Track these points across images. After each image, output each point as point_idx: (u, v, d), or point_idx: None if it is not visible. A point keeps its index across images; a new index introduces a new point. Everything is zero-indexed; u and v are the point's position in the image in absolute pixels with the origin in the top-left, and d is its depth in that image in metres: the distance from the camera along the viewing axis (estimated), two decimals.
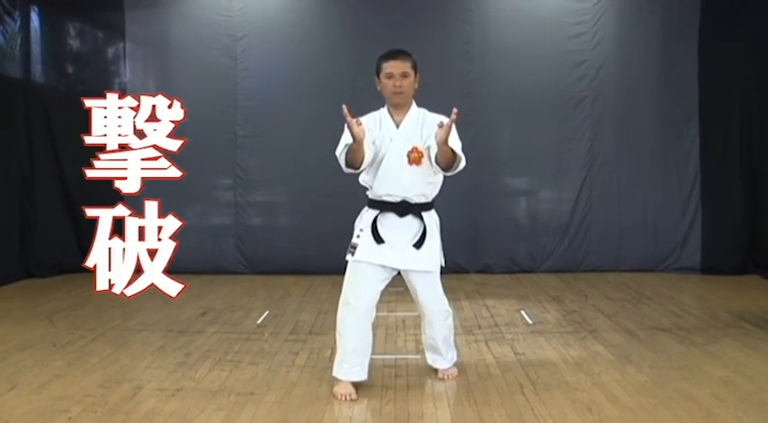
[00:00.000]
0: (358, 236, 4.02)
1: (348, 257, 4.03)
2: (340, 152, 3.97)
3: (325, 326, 5.57)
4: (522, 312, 6.02)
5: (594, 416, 3.65)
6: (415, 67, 4.00)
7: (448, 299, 4.27)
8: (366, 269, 3.98)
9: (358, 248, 3.99)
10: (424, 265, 4.04)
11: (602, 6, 7.71)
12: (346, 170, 3.99)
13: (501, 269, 7.85)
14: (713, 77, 7.56)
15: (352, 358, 4.00)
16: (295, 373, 4.39)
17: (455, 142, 3.89)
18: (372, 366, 4.47)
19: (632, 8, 7.73)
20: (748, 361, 4.57)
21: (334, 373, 4.06)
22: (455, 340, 4.45)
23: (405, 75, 3.95)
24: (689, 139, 7.69)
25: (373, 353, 4.63)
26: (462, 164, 3.95)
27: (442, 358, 4.31)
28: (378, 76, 4.04)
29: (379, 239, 3.97)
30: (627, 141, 7.79)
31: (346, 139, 3.91)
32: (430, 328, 4.24)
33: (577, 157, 7.81)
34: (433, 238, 4.05)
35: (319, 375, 4.35)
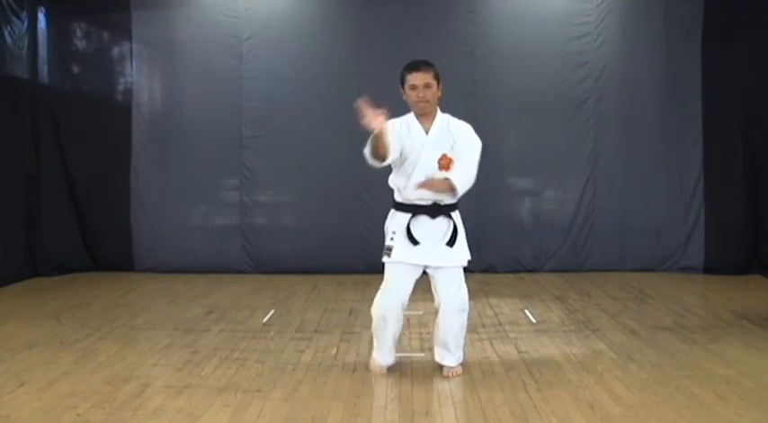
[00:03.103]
0: (392, 238, 4.26)
1: (385, 259, 4.28)
2: (367, 149, 4.10)
3: (330, 324, 5.62)
4: (526, 311, 6.05)
5: (597, 413, 3.68)
6: (437, 77, 4.21)
7: (469, 297, 4.39)
8: (402, 269, 4.24)
9: (393, 250, 4.23)
10: (456, 261, 4.28)
11: (606, 7, 7.72)
12: (371, 161, 4.11)
13: (505, 269, 7.87)
14: (717, 78, 7.58)
15: (392, 345, 4.42)
16: (301, 371, 4.43)
17: (464, 163, 4.22)
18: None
19: (636, 9, 7.74)
20: (750, 359, 4.60)
21: (378, 358, 4.44)
22: (467, 338, 4.54)
23: (428, 85, 4.17)
24: (692, 139, 7.70)
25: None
26: (460, 184, 4.16)
27: (450, 355, 4.38)
28: (402, 86, 4.25)
29: (414, 241, 4.20)
30: (630, 141, 7.81)
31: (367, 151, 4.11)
32: (444, 319, 4.33)
33: (581, 158, 7.83)
34: (462, 236, 4.31)
35: (325, 373, 4.39)
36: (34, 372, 4.42)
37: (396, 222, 4.27)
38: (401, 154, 4.18)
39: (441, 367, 4.42)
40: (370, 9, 7.77)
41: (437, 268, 4.26)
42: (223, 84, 7.84)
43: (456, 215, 4.30)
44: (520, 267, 7.89)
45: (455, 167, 4.14)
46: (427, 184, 4.11)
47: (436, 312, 4.38)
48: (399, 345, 4.61)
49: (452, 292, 4.29)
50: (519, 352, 4.84)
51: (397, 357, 4.67)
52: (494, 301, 6.49)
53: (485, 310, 6.10)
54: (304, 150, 7.77)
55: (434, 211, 4.22)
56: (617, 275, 7.58)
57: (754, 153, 7.65)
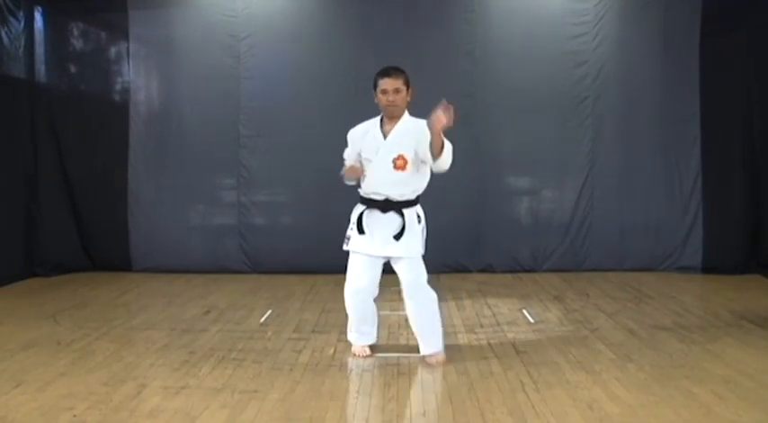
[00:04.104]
0: (351, 228, 4.66)
1: (344, 247, 4.68)
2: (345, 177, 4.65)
3: (328, 324, 5.60)
4: (524, 311, 6.04)
5: (595, 413, 3.68)
6: (407, 83, 4.54)
7: (435, 289, 4.65)
8: (360, 257, 4.63)
9: (350, 240, 4.64)
10: (404, 252, 4.54)
11: (604, 7, 7.71)
12: (349, 183, 4.68)
13: (503, 268, 7.86)
14: (715, 77, 7.57)
15: (361, 327, 4.78)
16: (298, 371, 4.42)
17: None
18: (375, 365, 4.57)
19: (633, 8, 7.73)
20: (748, 359, 4.60)
21: (350, 338, 4.84)
22: (444, 330, 4.74)
23: (397, 90, 4.49)
24: (690, 138, 7.69)
25: (376, 351, 4.77)
26: (448, 155, 4.38)
27: (425, 344, 4.66)
28: (375, 90, 4.57)
29: (361, 231, 4.59)
30: (628, 141, 7.80)
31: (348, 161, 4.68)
32: (410, 308, 4.67)
33: (579, 157, 7.82)
34: (413, 230, 4.56)
35: (322, 373, 4.38)
36: (31, 372, 4.41)
37: (354, 214, 4.67)
38: (359, 155, 4.62)
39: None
40: (367, 9, 7.75)
41: (393, 259, 4.60)
42: (221, 83, 7.82)
43: (410, 212, 4.56)
44: (518, 267, 7.88)
45: (410, 167, 4.47)
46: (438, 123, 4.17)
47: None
48: (396, 343, 4.68)
49: (412, 280, 4.58)
50: (517, 352, 4.83)
51: (394, 358, 4.68)
52: (492, 301, 6.48)
53: (483, 311, 6.09)
54: (301, 150, 7.75)
55: (385, 206, 4.55)
56: (615, 275, 7.57)
57: (753, 152, 7.64)
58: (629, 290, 6.88)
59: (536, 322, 5.69)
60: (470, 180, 7.68)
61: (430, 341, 4.63)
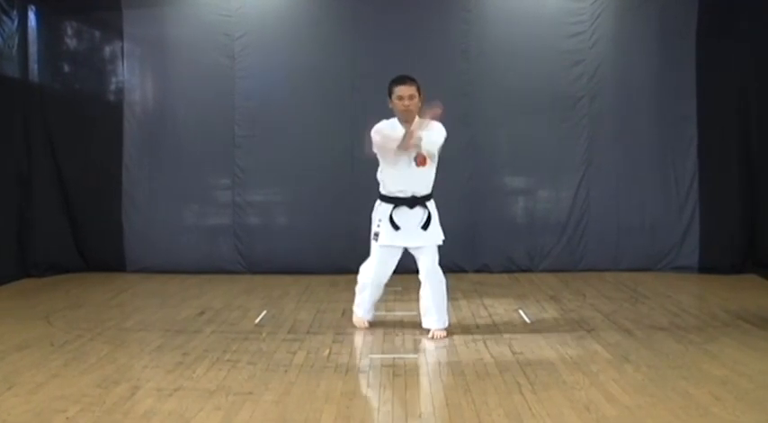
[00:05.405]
0: (378, 225, 5.18)
1: (373, 243, 5.22)
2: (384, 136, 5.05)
3: (323, 325, 5.58)
4: (520, 312, 6.02)
5: (592, 415, 3.65)
6: (419, 90, 5.06)
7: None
8: (388, 250, 5.19)
9: (380, 235, 5.16)
10: (432, 240, 5.16)
11: (600, 6, 7.69)
12: (393, 146, 4.97)
13: (499, 268, 7.84)
14: (711, 76, 7.56)
15: (370, 307, 5.49)
16: (293, 373, 4.39)
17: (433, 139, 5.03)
18: (370, 366, 4.53)
19: (630, 7, 7.72)
20: (746, 360, 4.57)
21: (356, 312, 5.52)
22: (449, 307, 5.36)
23: (411, 96, 5.03)
24: (687, 138, 7.68)
25: (372, 352, 4.78)
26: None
27: (435, 319, 5.24)
28: (390, 97, 5.07)
29: (395, 227, 5.12)
30: (624, 141, 7.78)
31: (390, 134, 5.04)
32: (427, 290, 5.24)
33: (575, 157, 7.80)
34: (435, 220, 5.18)
35: (317, 374, 4.35)
36: (23, 374, 4.36)
37: (381, 211, 5.19)
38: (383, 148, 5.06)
39: (428, 331, 5.25)
40: (363, 8, 7.72)
41: (417, 248, 5.17)
42: (215, 83, 7.79)
43: (430, 204, 5.18)
44: (514, 267, 7.86)
45: (428, 162, 5.09)
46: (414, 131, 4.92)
47: (420, 285, 5.28)
48: (392, 344, 4.62)
49: (431, 266, 5.18)
50: (513, 353, 4.81)
51: (390, 359, 4.65)
52: (488, 301, 6.45)
53: (479, 311, 6.07)
54: (297, 150, 7.72)
55: (412, 201, 5.12)
56: (612, 275, 7.56)
57: (749, 152, 7.64)
58: (626, 290, 6.87)
59: (532, 322, 5.67)
60: (466, 179, 7.68)
61: (436, 317, 5.22)
